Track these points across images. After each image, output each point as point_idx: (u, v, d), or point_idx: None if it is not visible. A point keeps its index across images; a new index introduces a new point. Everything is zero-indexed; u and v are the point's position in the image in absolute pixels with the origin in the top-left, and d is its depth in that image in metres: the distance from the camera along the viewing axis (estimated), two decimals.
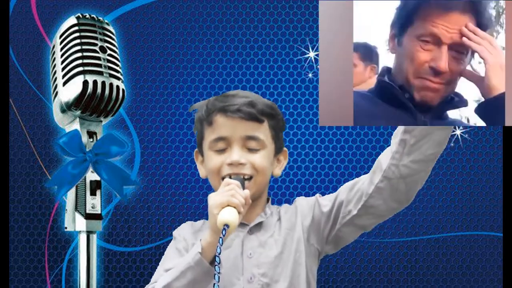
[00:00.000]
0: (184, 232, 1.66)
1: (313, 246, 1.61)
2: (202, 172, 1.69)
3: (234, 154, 1.58)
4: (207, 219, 1.57)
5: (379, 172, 1.49)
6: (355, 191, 1.55)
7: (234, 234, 1.59)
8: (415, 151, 1.43)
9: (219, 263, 1.36)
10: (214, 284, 1.34)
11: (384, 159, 1.49)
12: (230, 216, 1.43)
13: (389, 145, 1.50)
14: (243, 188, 1.53)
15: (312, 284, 1.61)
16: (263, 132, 1.62)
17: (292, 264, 1.58)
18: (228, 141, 1.60)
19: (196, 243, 1.51)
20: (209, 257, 1.47)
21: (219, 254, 1.38)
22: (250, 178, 1.59)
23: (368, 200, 1.52)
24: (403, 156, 1.45)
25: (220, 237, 1.40)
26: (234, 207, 1.45)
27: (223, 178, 1.59)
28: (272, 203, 1.71)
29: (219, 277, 1.35)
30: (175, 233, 1.68)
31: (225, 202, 1.45)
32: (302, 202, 1.66)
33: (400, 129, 1.45)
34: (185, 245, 1.62)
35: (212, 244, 1.47)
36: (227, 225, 1.41)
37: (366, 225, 1.59)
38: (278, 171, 1.68)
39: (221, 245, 1.39)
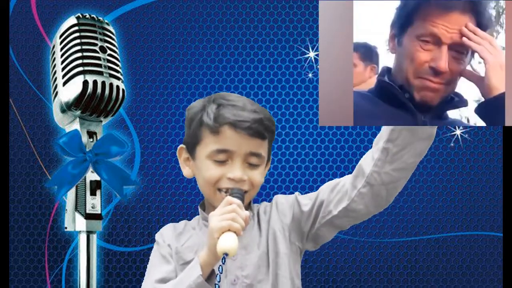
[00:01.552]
0: (166, 236, 1.66)
1: (294, 244, 1.62)
2: (186, 171, 1.67)
3: (237, 171, 1.58)
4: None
5: (362, 178, 1.51)
6: (336, 192, 1.57)
7: None
8: (397, 160, 1.46)
9: None
10: None
11: (366, 165, 1.51)
12: (230, 244, 1.43)
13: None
14: (243, 201, 1.54)
15: (296, 282, 1.61)
16: (264, 148, 1.62)
17: (273, 264, 1.59)
18: (231, 154, 1.59)
19: (193, 262, 1.51)
20: (205, 277, 1.49)
21: (219, 281, 1.41)
22: (245, 192, 1.59)
23: (350, 204, 1.54)
24: (385, 164, 1.47)
25: (220, 265, 1.42)
26: (234, 232, 1.45)
27: (219, 189, 1.59)
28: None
29: None
30: (157, 237, 1.67)
31: (226, 227, 1.45)
32: (281, 200, 1.66)
33: (382, 136, 1.47)
34: (169, 251, 1.62)
35: (209, 264, 1.48)
36: (226, 254, 1.42)
37: (343, 225, 1.61)
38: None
39: (221, 273, 1.42)
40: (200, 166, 1.62)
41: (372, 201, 1.52)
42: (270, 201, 1.69)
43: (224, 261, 1.42)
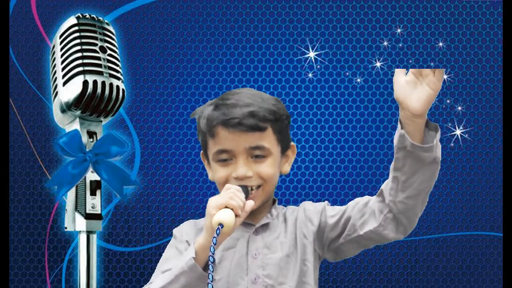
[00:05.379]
0: (185, 232, 1.63)
1: (316, 251, 1.62)
2: (210, 175, 1.67)
3: (240, 169, 1.57)
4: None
5: (386, 207, 1.51)
6: (363, 213, 1.55)
7: (239, 234, 1.59)
8: (408, 187, 1.45)
9: (212, 262, 1.36)
10: (208, 284, 1.35)
11: (386, 193, 1.50)
12: (225, 216, 1.42)
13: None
14: (247, 197, 1.52)
15: None
16: (267, 139, 1.59)
17: (299, 270, 1.58)
18: (232, 153, 1.58)
19: (190, 247, 1.49)
20: (202, 261, 1.46)
21: (213, 253, 1.37)
22: (258, 187, 1.58)
23: (377, 228, 1.53)
24: (398, 193, 1.46)
25: (214, 237, 1.39)
26: (232, 209, 1.44)
27: None
28: (278, 204, 1.70)
29: (212, 276, 1.36)
30: (175, 231, 1.65)
31: (223, 203, 1.44)
32: (309, 207, 1.64)
33: (391, 165, 1.46)
34: (186, 247, 1.59)
35: (205, 247, 1.45)
36: (221, 225, 1.40)
37: (368, 245, 1.61)
38: (287, 167, 1.67)
39: (215, 245, 1.38)
40: (212, 171, 1.64)
41: (396, 228, 1.52)
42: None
43: (219, 232, 1.39)
